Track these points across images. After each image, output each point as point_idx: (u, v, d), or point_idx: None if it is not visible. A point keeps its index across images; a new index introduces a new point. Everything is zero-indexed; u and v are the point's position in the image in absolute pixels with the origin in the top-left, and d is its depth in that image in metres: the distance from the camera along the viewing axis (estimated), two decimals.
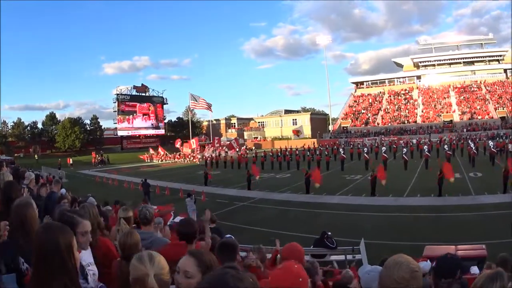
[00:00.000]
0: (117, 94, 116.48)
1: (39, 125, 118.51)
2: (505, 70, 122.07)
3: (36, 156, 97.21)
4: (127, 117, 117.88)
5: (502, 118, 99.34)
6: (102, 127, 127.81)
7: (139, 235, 5.36)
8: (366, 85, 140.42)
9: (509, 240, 16.85)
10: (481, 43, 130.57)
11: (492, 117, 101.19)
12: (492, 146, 51.61)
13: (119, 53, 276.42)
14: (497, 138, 76.80)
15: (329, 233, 17.77)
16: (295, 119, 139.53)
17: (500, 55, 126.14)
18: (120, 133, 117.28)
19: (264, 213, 30.11)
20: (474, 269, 10.30)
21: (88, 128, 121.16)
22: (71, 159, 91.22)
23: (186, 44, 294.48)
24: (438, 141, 71.72)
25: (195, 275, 3.13)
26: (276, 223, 26.11)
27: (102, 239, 5.72)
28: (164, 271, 3.17)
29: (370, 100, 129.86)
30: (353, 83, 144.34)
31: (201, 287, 2.21)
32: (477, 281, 3.38)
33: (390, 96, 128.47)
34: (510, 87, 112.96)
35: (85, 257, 4.36)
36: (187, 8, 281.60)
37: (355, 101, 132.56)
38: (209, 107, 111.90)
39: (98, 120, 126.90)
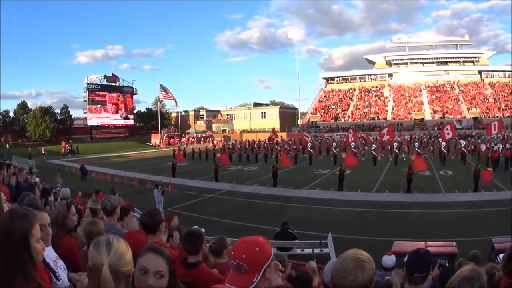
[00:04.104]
0: (88, 84, 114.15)
1: (11, 114, 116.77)
2: (480, 72, 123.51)
3: (7, 145, 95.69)
4: (96, 106, 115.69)
5: (475, 119, 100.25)
6: (72, 117, 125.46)
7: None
8: (337, 80, 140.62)
9: (479, 238, 17.02)
10: (457, 44, 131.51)
11: (465, 117, 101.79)
12: (463, 145, 52.02)
13: (93, 41, 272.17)
14: (469, 138, 77.43)
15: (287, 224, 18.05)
16: (264, 112, 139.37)
17: (476, 57, 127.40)
18: (89, 123, 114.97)
19: (232, 206, 30.10)
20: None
21: (59, 118, 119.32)
22: (46, 148, 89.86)
23: (160, 34, 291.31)
24: (409, 139, 72.28)
25: (166, 274, 3.02)
26: (244, 215, 26.25)
27: (67, 239, 5.57)
28: (122, 261, 2.84)
29: (340, 96, 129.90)
30: (324, 78, 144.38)
31: None
32: (453, 280, 3.26)
33: (361, 92, 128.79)
34: (484, 88, 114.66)
35: (49, 253, 4.19)
36: None
37: (325, 96, 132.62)
38: (175, 101, 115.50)
39: (69, 109, 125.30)
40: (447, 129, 48.72)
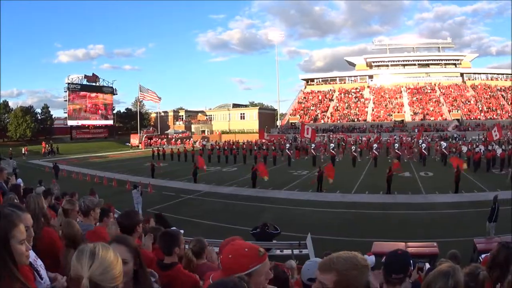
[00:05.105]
0: (68, 83, 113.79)
1: None
2: (462, 74, 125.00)
3: None
4: (76, 106, 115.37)
5: (456, 121, 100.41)
6: (53, 117, 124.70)
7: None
8: (317, 82, 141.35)
9: (461, 239, 17.08)
10: (439, 47, 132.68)
11: (446, 119, 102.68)
12: (444, 147, 52.30)
13: (75, 40, 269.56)
14: (450, 139, 78.07)
15: (270, 223, 18.56)
16: (243, 113, 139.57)
17: (458, 59, 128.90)
18: (70, 123, 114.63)
19: (210, 207, 30.00)
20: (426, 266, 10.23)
21: (39, 118, 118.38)
22: (27, 148, 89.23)
23: (142, 34, 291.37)
24: (388, 140, 72.56)
25: (129, 260, 3.28)
26: (222, 216, 26.16)
27: (47, 230, 5.60)
28: (107, 276, 2.47)
29: (320, 97, 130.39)
30: (304, 79, 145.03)
31: None
32: (429, 277, 3.18)
33: (341, 94, 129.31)
34: (465, 91, 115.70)
35: (30, 253, 4.01)
36: None
37: (305, 97, 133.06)
38: (158, 99, 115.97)
39: (49, 109, 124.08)
40: (494, 130, 49.19)
